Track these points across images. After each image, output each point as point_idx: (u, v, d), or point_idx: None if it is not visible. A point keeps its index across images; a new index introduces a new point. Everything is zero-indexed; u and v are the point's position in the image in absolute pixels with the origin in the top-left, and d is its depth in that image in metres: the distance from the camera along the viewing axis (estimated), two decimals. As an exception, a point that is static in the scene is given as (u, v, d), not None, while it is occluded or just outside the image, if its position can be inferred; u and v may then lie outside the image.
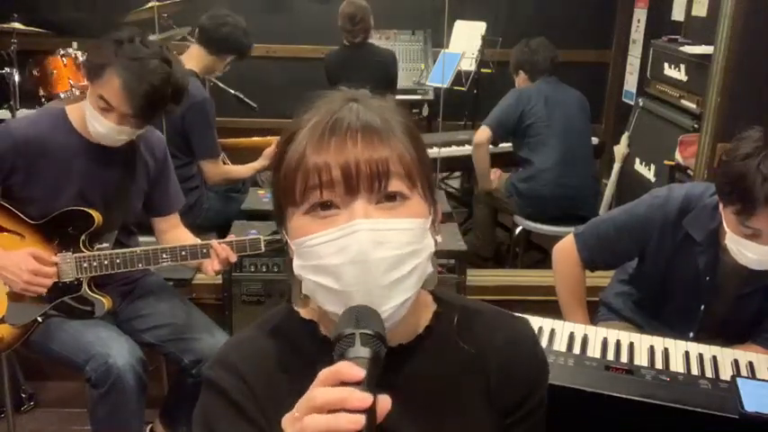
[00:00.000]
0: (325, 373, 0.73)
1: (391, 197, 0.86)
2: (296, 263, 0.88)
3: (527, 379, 0.99)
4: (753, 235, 1.70)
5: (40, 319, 2.05)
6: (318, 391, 0.71)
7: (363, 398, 0.70)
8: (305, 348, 0.95)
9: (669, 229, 1.92)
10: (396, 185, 0.86)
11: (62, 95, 3.86)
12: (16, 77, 3.82)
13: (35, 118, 2.10)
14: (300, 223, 0.87)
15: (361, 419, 0.69)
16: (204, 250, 2.01)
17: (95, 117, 1.95)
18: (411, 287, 0.87)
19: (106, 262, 2.02)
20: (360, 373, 0.72)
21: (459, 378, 0.97)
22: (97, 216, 2.03)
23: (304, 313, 0.99)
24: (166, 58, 1.94)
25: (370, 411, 0.71)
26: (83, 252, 2.03)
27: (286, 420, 0.75)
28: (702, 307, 1.96)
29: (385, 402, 0.72)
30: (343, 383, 0.71)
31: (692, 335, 1.96)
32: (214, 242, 2.01)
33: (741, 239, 1.72)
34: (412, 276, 0.86)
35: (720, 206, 1.78)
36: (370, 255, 0.83)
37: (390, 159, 0.85)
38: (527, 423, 0.99)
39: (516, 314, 1.05)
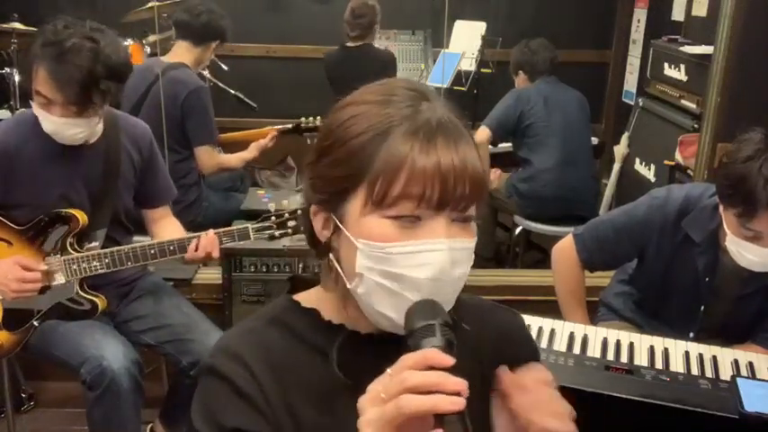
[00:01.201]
0: (412, 358, 0.77)
1: (466, 218, 0.87)
2: (362, 263, 0.87)
3: (519, 364, 1.02)
4: (754, 237, 1.70)
5: (36, 323, 2.04)
6: (411, 374, 0.75)
7: (460, 382, 0.74)
8: (309, 336, 0.95)
9: (668, 230, 1.92)
10: (473, 208, 0.88)
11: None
12: (16, 77, 3.82)
13: (7, 125, 2.08)
14: (379, 226, 0.85)
15: (462, 401, 0.73)
16: (191, 244, 2.01)
17: (42, 115, 1.91)
18: (455, 301, 0.90)
19: (95, 262, 2.01)
20: (450, 359, 0.76)
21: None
22: (82, 216, 2.02)
23: (305, 303, 0.99)
24: (89, 36, 1.86)
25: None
26: (71, 254, 2.02)
27: (366, 401, 0.78)
28: (702, 308, 1.95)
29: (466, 390, 0.76)
30: (431, 368, 0.75)
31: (692, 335, 1.95)
32: (203, 234, 2.01)
33: (741, 241, 1.72)
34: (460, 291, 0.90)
35: (721, 208, 1.78)
36: (449, 274, 0.85)
37: (482, 177, 0.87)
38: None
39: (504, 306, 1.09)
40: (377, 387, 0.78)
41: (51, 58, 1.82)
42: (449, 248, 0.85)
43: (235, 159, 3.22)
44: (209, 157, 3.10)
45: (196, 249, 2.02)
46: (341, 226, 0.89)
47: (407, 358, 0.77)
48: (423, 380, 0.74)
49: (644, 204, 1.99)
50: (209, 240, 2.02)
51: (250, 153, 3.19)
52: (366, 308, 0.90)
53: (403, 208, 0.84)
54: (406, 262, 0.85)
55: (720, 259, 1.88)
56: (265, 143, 3.21)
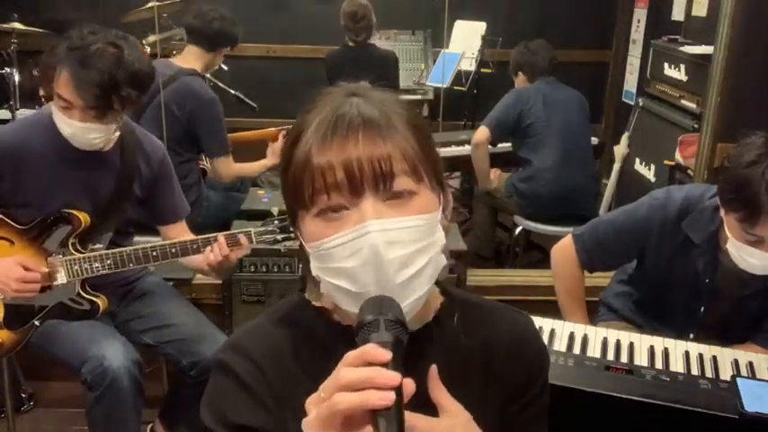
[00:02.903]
0: (351, 355, 0.75)
1: (398, 195, 0.86)
2: (314, 265, 0.89)
3: (529, 365, 1.02)
4: (756, 242, 1.69)
5: (37, 323, 2.05)
6: (345, 371, 0.73)
7: (392, 376, 0.72)
8: (318, 335, 0.96)
9: (668, 231, 1.92)
10: (401, 183, 0.85)
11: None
12: (16, 77, 3.82)
13: (20, 125, 2.09)
14: (313, 226, 0.87)
15: (391, 395, 0.71)
16: (194, 246, 2.01)
17: (61, 118, 1.91)
18: (426, 282, 0.88)
19: (97, 263, 2.01)
20: (386, 354, 0.74)
21: (463, 367, 0.98)
22: (84, 217, 2.01)
23: (316, 302, 1.00)
24: (113, 42, 1.87)
25: (398, 391, 0.73)
26: (73, 254, 2.02)
27: (311, 402, 0.77)
28: (702, 308, 1.95)
29: (410, 386, 0.74)
30: (370, 365, 0.73)
31: (692, 335, 1.95)
32: (215, 236, 2.00)
33: (744, 246, 1.72)
34: (425, 271, 0.87)
35: (722, 211, 1.78)
36: (383, 256, 0.83)
37: (393, 156, 0.85)
38: (530, 410, 1.01)
39: (515, 308, 1.08)
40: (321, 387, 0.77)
41: (75, 61, 1.84)
42: (381, 230, 0.83)
43: (257, 167, 3.25)
44: (226, 168, 3.14)
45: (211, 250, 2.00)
46: (300, 239, 0.92)
47: (348, 356, 0.75)
48: (355, 376, 0.73)
49: (644, 205, 1.99)
50: (227, 254, 1.99)
51: (270, 160, 3.23)
52: (340, 309, 0.90)
53: (320, 202, 0.85)
54: (341, 254, 0.85)
55: (720, 260, 1.88)
56: (279, 146, 3.23)
